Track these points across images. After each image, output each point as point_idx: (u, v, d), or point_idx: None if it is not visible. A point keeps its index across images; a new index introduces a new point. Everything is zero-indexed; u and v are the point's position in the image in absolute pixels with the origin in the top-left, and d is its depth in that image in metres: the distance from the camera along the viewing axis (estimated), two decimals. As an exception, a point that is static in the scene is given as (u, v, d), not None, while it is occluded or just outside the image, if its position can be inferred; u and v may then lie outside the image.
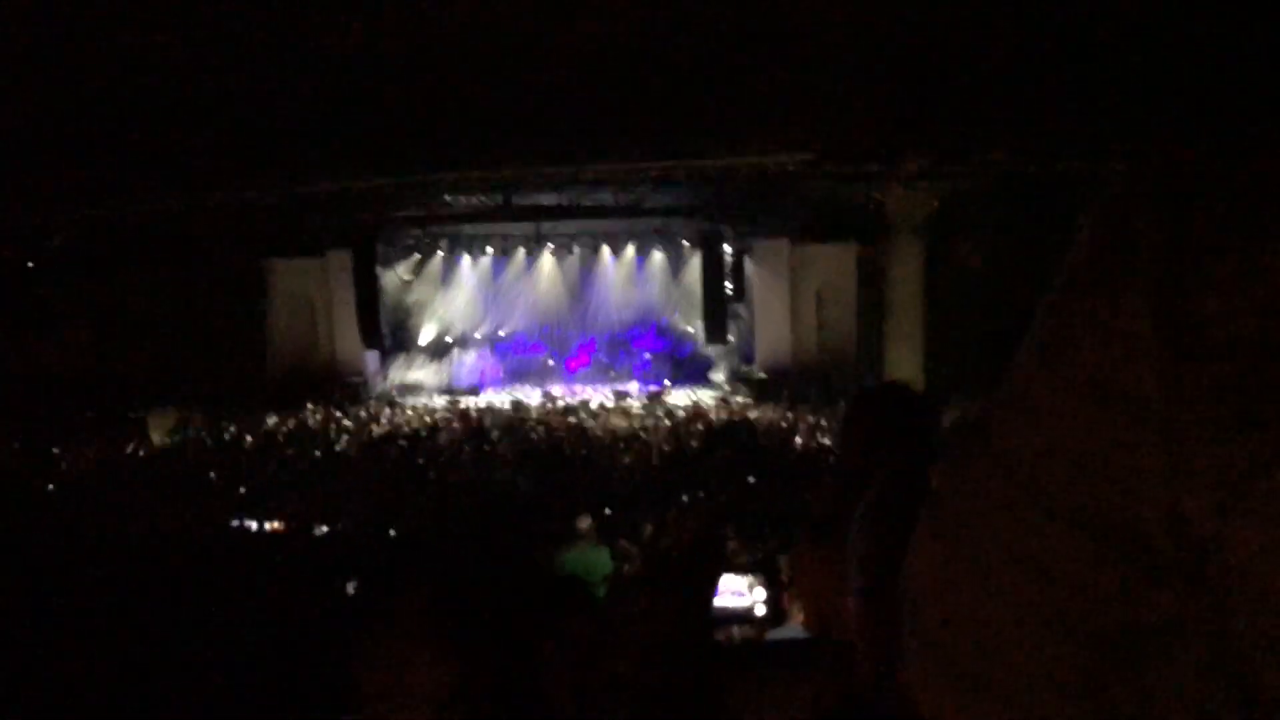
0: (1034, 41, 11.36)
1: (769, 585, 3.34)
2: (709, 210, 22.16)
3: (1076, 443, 0.45)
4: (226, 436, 18.67)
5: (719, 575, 3.20)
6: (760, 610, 3.37)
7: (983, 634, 0.52)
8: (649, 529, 9.88)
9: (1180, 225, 0.41)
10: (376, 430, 19.38)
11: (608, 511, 11.62)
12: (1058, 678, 0.49)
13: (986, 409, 0.53)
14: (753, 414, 20.45)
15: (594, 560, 6.27)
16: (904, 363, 16.51)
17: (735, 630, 4.71)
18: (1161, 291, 0.41)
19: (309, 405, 20.81)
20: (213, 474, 15.41)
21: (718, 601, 3.16)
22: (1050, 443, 0.47)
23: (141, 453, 17.43)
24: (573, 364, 26.18)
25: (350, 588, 7.16)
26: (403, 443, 17.87)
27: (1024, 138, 15.03)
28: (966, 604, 0.52)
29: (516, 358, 27.26)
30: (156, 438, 18.58)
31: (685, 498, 12.48)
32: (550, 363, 26.94)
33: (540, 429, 19.03)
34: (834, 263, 22.14)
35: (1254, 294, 0.39)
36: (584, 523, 6.64)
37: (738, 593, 3.30)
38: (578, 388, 25.09)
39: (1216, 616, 0.42)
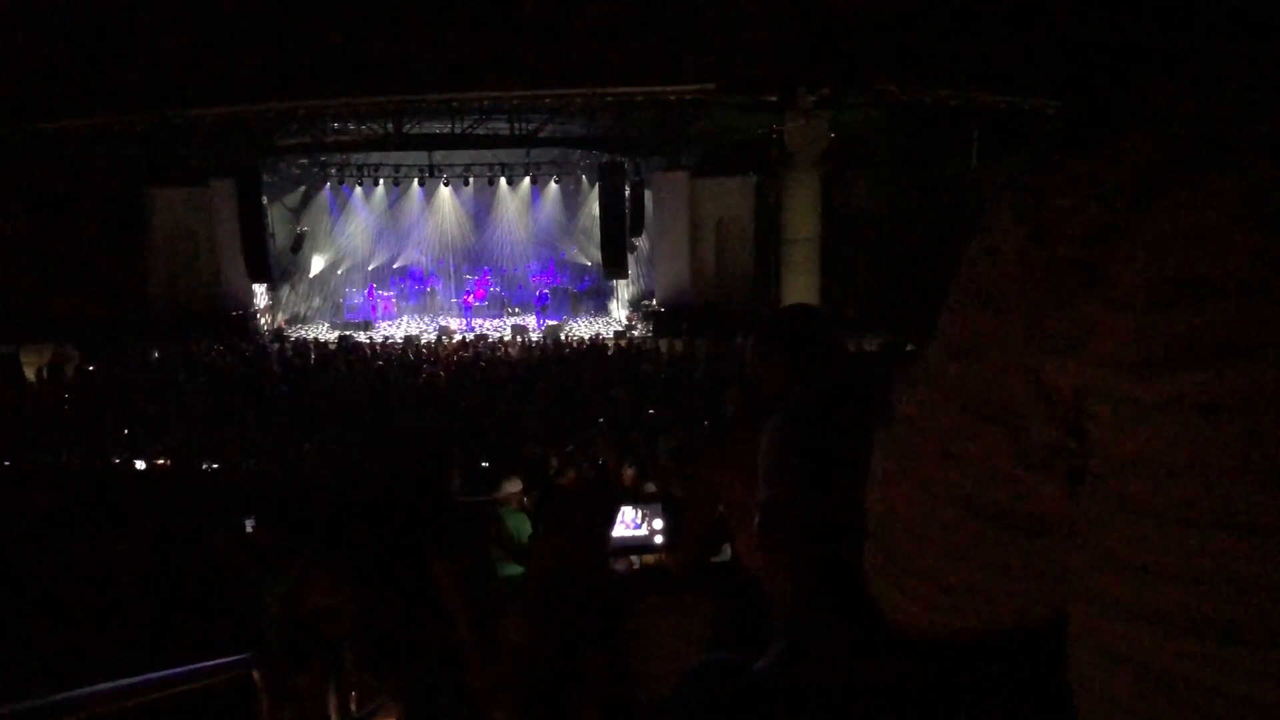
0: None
1: (666, 514, 3.39)
2: (608, 142, 21.94)
3: (968, 337, 0.54)
4: (106, 372, 17.95)
5: (616, 506, 3.25)
6: (658, 539, 3.43)
7: (913, 521, 0.61)
8: (551, 462, 9.91)
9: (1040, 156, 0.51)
10: (265, 365, 18.86)
11: (505, 445, 11.61)
12: (973, 556, 0.58)
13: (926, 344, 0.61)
14: (651, 346, 20.56)
15: (517, 524, 5.93)
16: (800, 294, 16.74)
17: (634, 559, 4.77)
18: (1025, 199, 0.51)
19: (194, 339, 20.07)
20: (92, 411, 14.85)
21: (616, 531, 3.19)
22: (952, 343, 0.56)
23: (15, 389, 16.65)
24: (469, 298, 25.82)
25: (249, 525, 7.01)
26: (293, 378, 17.47)
27: (915, 71, 15.24)
28: (904, 498, 0.62)
29: (411, 291, 26.78)
30: (31, 373, 17.76)
31: (583, 431, 12.53)
32: (446, 297, 26.57)
33: (435, 364, 18.81)
34: (733, 195, 22.25)
35: (1097, 188, 0.47)
36: (514, 486, 6.27)
37: (634, 523, 3.34)
38: (475, 322, 24.84)
39: (1103, 512, 0.49)
